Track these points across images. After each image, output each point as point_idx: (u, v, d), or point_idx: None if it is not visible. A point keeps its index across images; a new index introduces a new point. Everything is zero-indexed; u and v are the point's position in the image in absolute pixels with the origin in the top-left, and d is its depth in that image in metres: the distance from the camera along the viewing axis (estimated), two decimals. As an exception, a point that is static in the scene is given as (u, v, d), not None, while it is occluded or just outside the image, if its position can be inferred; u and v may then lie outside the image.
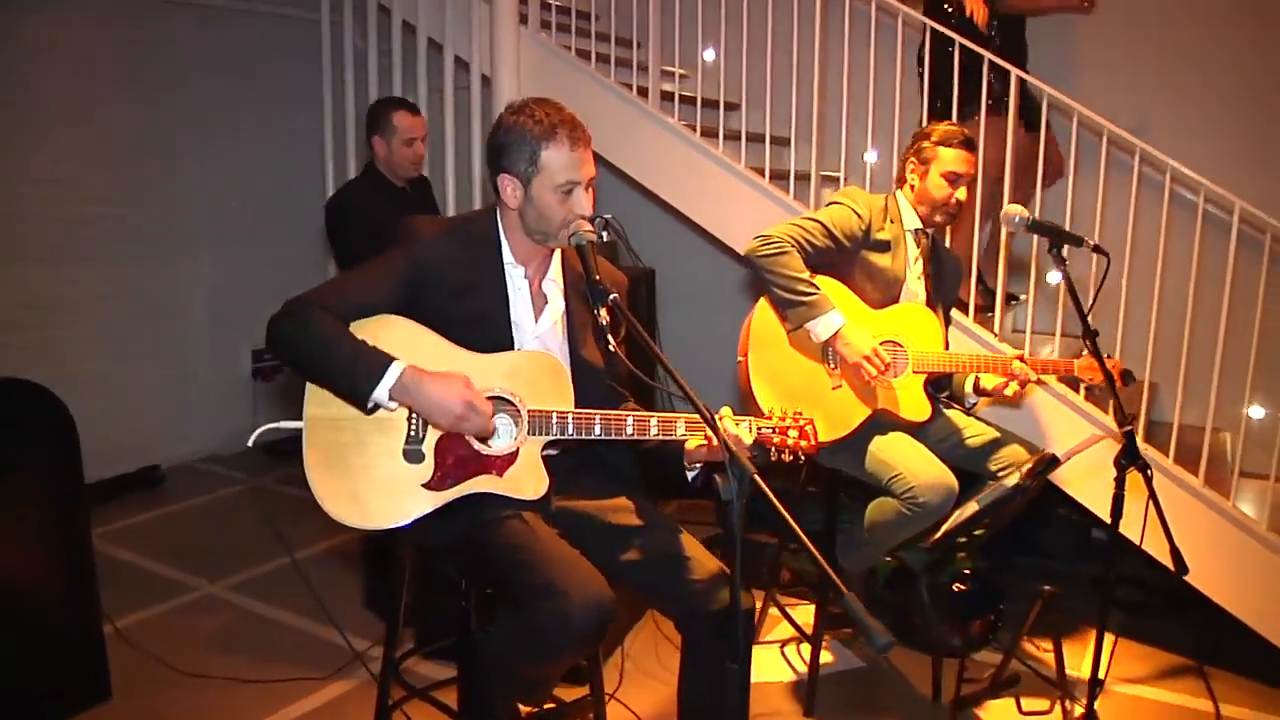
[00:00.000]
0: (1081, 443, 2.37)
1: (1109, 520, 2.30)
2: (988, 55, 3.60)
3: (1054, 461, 2.19)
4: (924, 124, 3.31)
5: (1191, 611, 3.40)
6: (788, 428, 2.21)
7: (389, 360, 1.97)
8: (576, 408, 2.14)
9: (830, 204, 3.02)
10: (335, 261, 3.66)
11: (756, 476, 1.65)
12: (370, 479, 2.02)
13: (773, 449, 2.22)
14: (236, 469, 5.47)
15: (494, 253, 2.20)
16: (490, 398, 2.07)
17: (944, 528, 2.37)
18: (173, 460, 5.43)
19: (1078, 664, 3.26)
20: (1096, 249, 2.42)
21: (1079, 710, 2.80)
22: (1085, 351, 2.99)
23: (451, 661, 2.85)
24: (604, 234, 3.08)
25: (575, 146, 2.12)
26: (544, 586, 1.89)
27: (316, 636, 3.48)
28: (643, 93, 4.19)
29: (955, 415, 3.03)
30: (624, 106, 4.15)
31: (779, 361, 2.84)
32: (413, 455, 2.05)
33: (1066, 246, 2.42)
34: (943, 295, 3.13)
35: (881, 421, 2.86)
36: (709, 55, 4.73)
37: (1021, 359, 2.91)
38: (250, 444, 2.12)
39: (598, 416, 2.12)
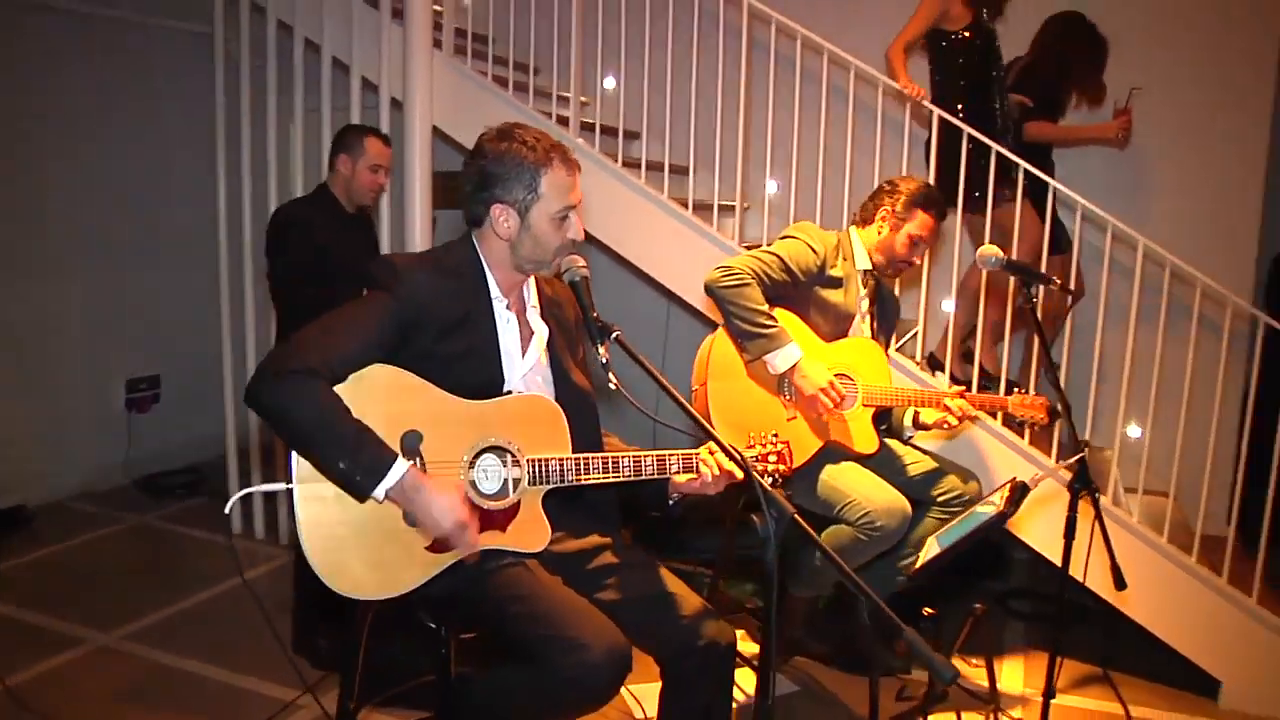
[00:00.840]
0: (1045, 472, 2.48)
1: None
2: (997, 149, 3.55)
3: (1025, 488, 2.28)
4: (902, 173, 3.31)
5: (1091, 620, 3.59)
6: (768, 454, 2.23)
7: (391, 459, 1.85)
8: (572, 444, 2.09)
9: (785, 238, 3.06)
10: (269, 277, 3.45)
11: (797, 516, 1.66)
12: (371, 548, 1.91)
13: (765, 477, 2.21)
14: (112, 507, 5.05)
15: (480, 285, 2.11)
16: (487, 449, 2.00)
17: (925, 557, 2.42)
18: (41, 499, 4.97)
19: (997, 677, 3.39)
20: (1063, 288, 2.54)
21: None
22: (1018, 390, 3.14)
23: (409, 710, 2.72)
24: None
25: (570, 171, 2.08)
26: (563, 639, 1.84)
27: (236, 687, 3.24)
28: (562, 121, 4.13)
29: (894, 444, 3.12)
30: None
31: (736, 391, 2.85)
32: (413, 518, 1.93)
33: (1036, 285, 2.52)
34: (884, 331, 3.22)
35: (833, 452, 2.91)
36: (609, 83, 4.73)
37: (962, 394, 3.01)
38: (227, 510, 1.94)
39: (596, 461, 2.06)
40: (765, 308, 2.85)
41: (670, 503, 2.19)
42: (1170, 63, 4.41)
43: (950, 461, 3.11)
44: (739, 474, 2.14)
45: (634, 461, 2.09)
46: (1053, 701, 2.61)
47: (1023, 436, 3.46)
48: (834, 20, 4.28)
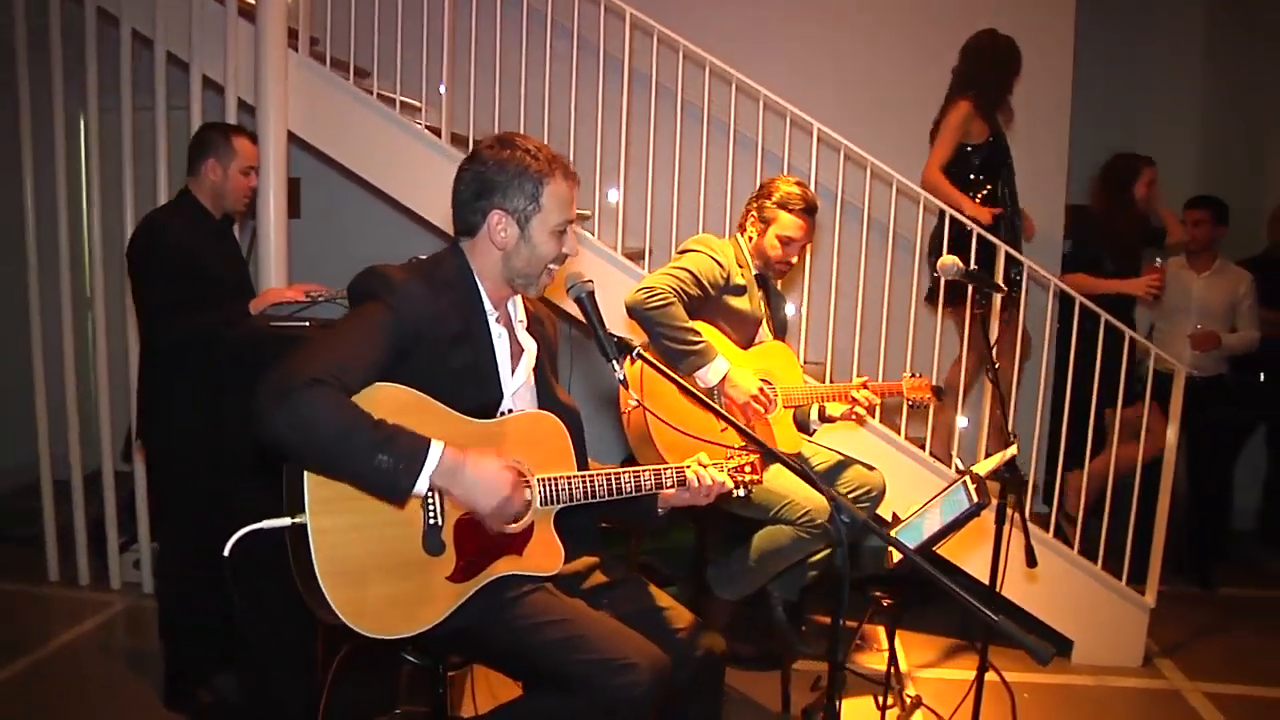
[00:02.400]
0: (998, 462, 2.61)
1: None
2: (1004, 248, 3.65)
3: (983, 479, 2.40)
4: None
5: (938, 596, 3.83)
6: (743, 465, 2.24)
7: (426, 442, 1.71)
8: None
9: (687, 252, 3.04)
10: (135, 300, 3.03)
11: (869, 522, 1.67)
12: (392, 581, 1.75)
13: (740, 488, 2.22)
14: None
15: (474, 299, 2.00)
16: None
17: (895, 557, 2.47)
18: None
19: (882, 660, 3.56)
20: (1005, 293, 2.69)
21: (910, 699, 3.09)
22: (909, 374, 3.30)
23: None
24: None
25: (571, 184, 2.01)
26: (610, 662, 1.77)
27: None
28: (432, 131, 3.93)
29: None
30: (414, 144, 3.86)
31: (672, 407, 2.82)
32: (433, 545, 1.80)
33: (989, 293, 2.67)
34: (779, 331, 3.29)
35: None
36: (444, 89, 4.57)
37: (865, 385, 3.13)
38: (227, 553, 1.69)
39: (600, 479, 2.00)
40: (691, 324, 2.85)
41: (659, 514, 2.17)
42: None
43: (851, 457, 3.22)
44: (730, 484, 2.16)
45: (634, 478, 2.05)
46: (925, 675, 2.74)
47: (908, 422, 3.68)
48: (692, 21, 4.25)
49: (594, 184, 3.96)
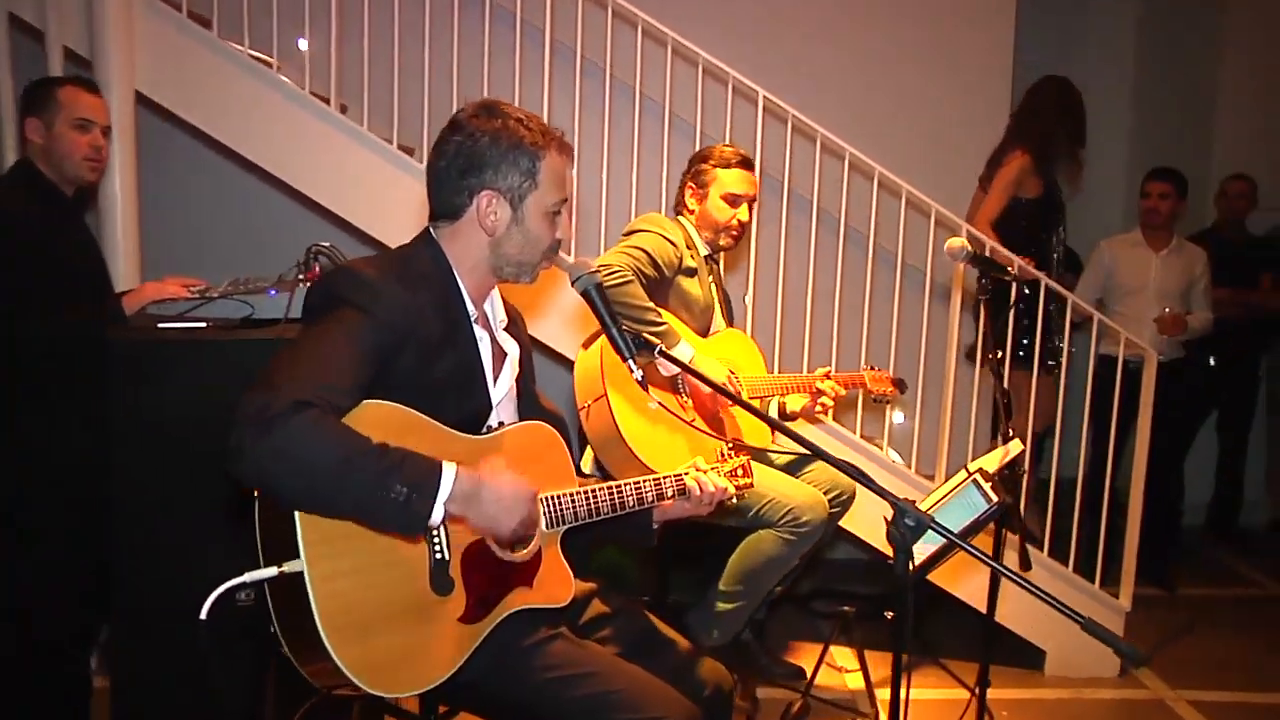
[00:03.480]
0: (1002, 458, 2.86)
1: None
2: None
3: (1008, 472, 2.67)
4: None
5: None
6: (735, 469, 2.40)
7: (436, 465, 1.75)
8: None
9: (638, 232, 3.20)
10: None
11: (934, 524, 1.85)
12: (401, 629, 1.81)
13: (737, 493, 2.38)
14: None
15: (454, 296, 2.05)
16: None
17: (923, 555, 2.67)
18: None
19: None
20: (1015, 279, 2.97)
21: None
22: (870, 367, 3.57)
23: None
24: (311, 266, 3.03)
25: (567, 159, 2.09)
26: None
27: None
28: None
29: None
30: (290, 105, 3.88)
31: (636, 398, 2.96)
32: (442, 584, 1.87)
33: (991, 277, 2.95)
34: (729, 318, 3.49)
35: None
36: (290, 39, 4.59)
37: (828, 376, 3.37)
38: (203, 615, 1.74)
39: (603, 493, 2.11)
40: (652, 305, 2.99)
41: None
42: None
43: (819, 450, 3.43)
44: (732, 490, 2.31)
45: (635, 490, 2.16)
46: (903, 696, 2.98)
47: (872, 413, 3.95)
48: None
49: None
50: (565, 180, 2.08)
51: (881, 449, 4.13)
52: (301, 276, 2.97)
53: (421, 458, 1.74)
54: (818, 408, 3.35)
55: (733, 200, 3.31)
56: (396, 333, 1.89)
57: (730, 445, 2.42)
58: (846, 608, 3.55)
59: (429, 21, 3.99)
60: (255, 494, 1.81)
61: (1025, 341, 4.50)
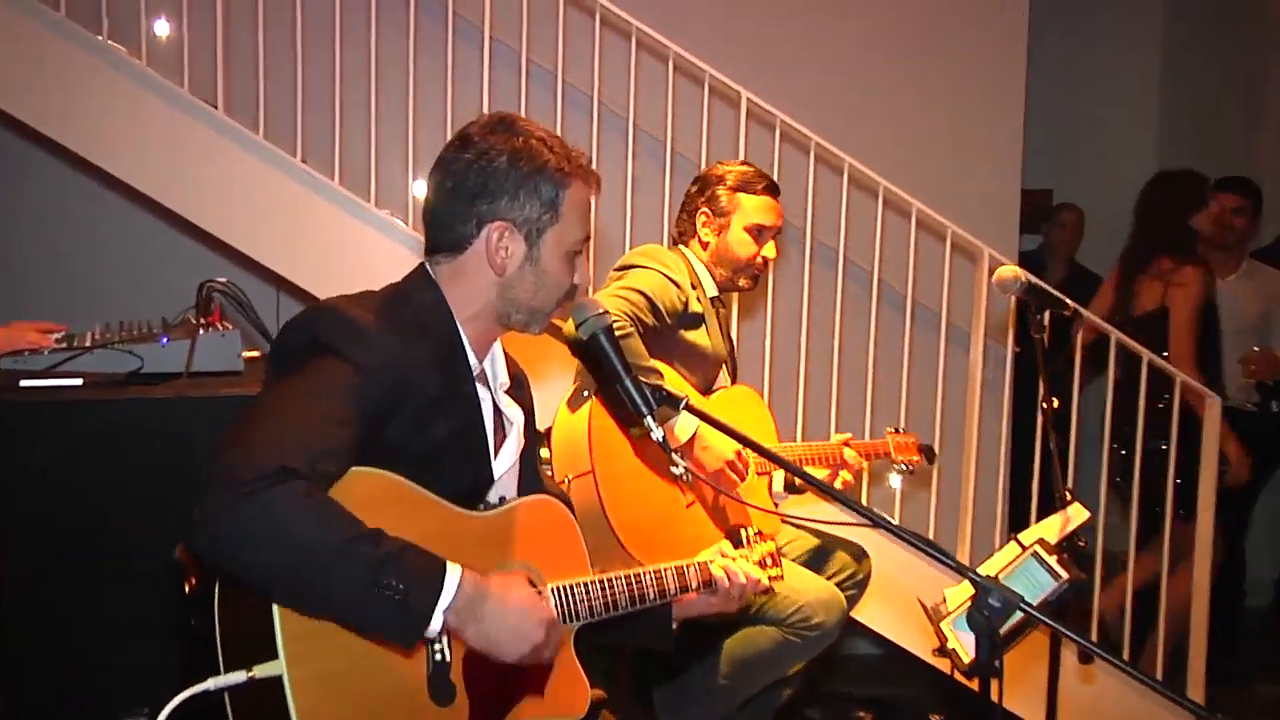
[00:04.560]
0: (1061, 528, 2.84)
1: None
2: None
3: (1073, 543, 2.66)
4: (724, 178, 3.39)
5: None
6: (765, 556, 2.42)
7: (440, 564, 1.71)
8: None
9: (635, 268, 3.14)
10: None
11: (1024, 607, 1.85)
12: None
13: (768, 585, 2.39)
14: None
15: (454, 346, 2.02)
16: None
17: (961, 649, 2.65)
18: None
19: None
20: (1076, 313, 2.97)
21: None
22: (894, 430, 3.57)
23: None
24: (209, 308, 2.98)
25: (592, 189, 2.08)
26: None
27: None
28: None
29: (762, 519, 3.37)
30: (169, 111, 3.80)
31: (628, 475, 2.92)
32: (441, 691, 1.83)
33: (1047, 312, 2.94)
34: (734, 372, 3.46)
35: (733, 536, 3.08)
36: (162, 29, 4.53)
37: (848, 444, 3.35)
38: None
39: (620, 584, 2.12)
40: (653, 364, 2.94)
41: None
42: None
43: (832, 535, 3.43)
44: (765, 582, 2.32)
45: (655, 580, 2.17)
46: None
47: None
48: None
49: (408, 170, 4.11)
50: (589, 214, 2.08)
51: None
52: (202, 320, 2.91)
53: (423, 551, 1.71)
54: (838, 484, 3.32)
55: (758, 233, 3.26)
56: (389, 393, 1.85)
57: (756, 530, 2.42)
58: (863, 714, 3.52)
59: (339, 8, 3.96)
60: (211, 577, 1.74)
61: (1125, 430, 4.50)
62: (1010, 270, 3.01)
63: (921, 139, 5.10)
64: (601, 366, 2.83)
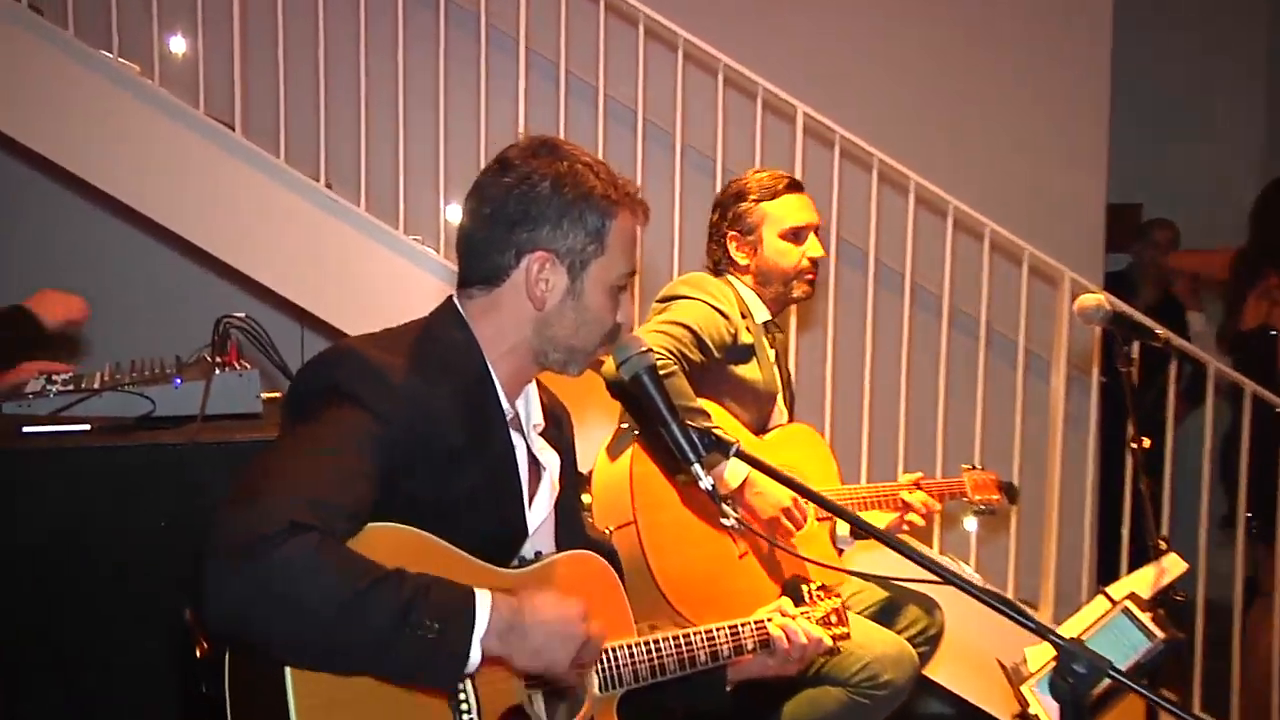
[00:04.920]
0: (1155, 580, 2.78)
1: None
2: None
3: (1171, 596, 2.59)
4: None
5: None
6: (829, 614, 2.39)
7: (468, 594, 1.70)
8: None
9: (679, 300, 3.12)
10: None
11: (1114, 674, 1.79)
12: None
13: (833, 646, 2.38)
14: None
15: (485, 389, 2.00)
16: None
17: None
18: None
19: None
20: (1167, 344, 2.91)
21: None
22: (970, 466, 3.51)
23: None
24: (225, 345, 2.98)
25: (641, 220, 2.07)
26: None
27: None
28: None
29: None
30: (179, 130, 3.82)
31: (674, 525, 2.91)
32: None
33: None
34: (790, 406, 3.42)
35: (791, 589, 3.03)
36: (177, 46, 4.56)
37: (919, 484, 3.30)
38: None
39: (669, 646, 2.11)
40: (699, 404, 2.91)
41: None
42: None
43: (902, 586, 3.37)
44: (829, 641, 2.31)
45: (707, 641, 2.15)
46: None
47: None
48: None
49: (439, 193, 4.11)
50: (635, 247, 2.07)
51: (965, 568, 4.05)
52: (218, 359, 2.90)
53: (448, 583, 1.70)
54: (905, 528, 3.27)
55: (795, 235, 3.22)
56: (413, 445, 1.84)
57: (819, 584, 2.41)
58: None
59: (364, 20, 3.97)
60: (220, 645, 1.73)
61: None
62: (1093, 298, 2.95)
63: (994, 151, 5.08)
64: (644, 409, 2.83)
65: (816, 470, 3.24)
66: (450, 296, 2.05)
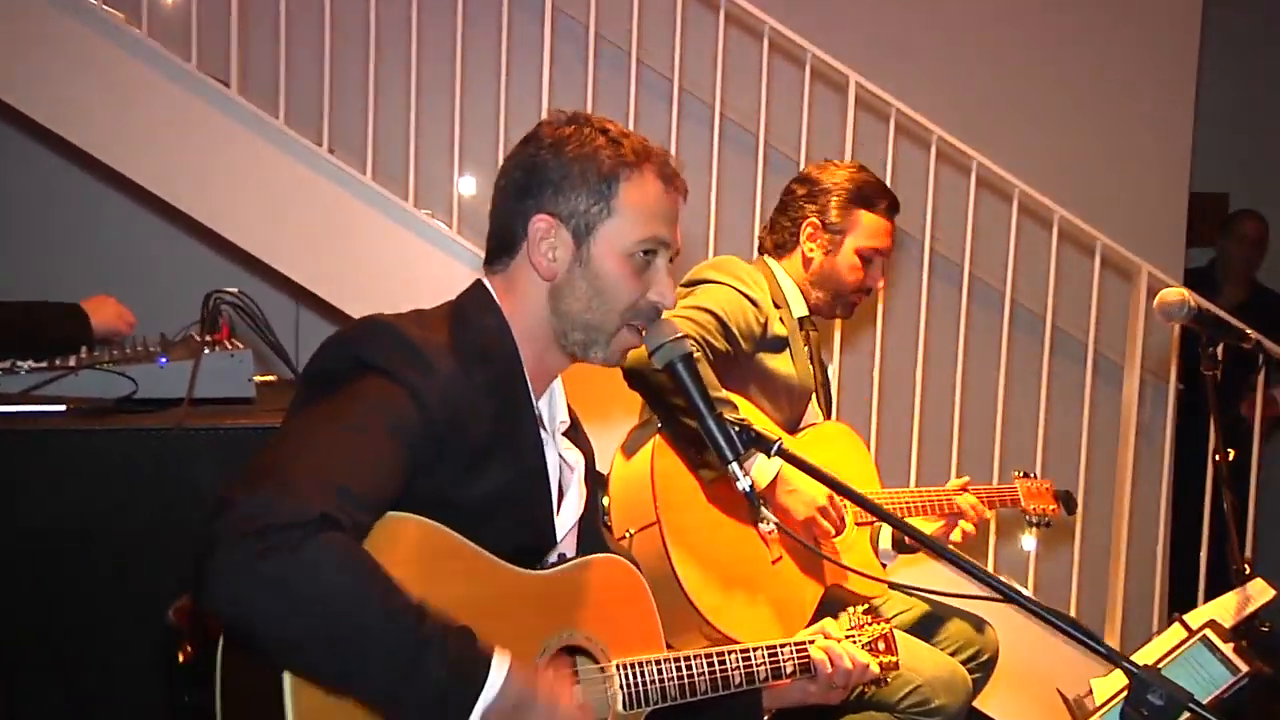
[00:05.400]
0: (1246, 606, 2.76)
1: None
2: None
3: (1255, 627, 2.58)
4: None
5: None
6: (876, 639, 2.38)
7: (487, 654, 1.69)
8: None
9: (706, 284, 3.12)
10: None
11: (1194, 706, 1.77)
12: None
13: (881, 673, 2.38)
14: None
15: (516, 382, 2.01)
16: (566, 649, 1.97)
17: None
18: None
19: None
20: (1258, 346, 2.89)
21: None
22: (1022, 474, 3.50)
23: None
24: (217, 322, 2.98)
25: (670, 188, 2.06)
26: None
27: None
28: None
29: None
30: (173, 89, 3.82)
31: (699, 527, 2.90)
32: None
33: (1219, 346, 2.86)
34: (827, 406, 3.42)
35: (833, 603, 3.02)
36: None
37: (966, 488, 3.29)
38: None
39: (700, 663, 2.12)
40: (725, 394, 2.90)
41: None
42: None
43: (946, 604, 3.36)
44: (876, 669, 2.31)
45: (742, 661, 2.16)
46: None
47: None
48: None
49: (452, 163, 4.11)
50: (658, 215, 2.04)
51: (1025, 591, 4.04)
52: (207, 337, 2.91)
53: (471, 638, 1.69)
54: (955, 535, 3.26)
55: (870, 258, 3.24)
56: (444, 434, 1.85)
57: (866, 606, 2.41)
58: None
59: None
60: (214, 639, 1.72)
61: None
62: (1175, 293, 2.91)
63: (1065, 133, 5.07)
64: (669, 401, 2.84)
65: (854, 473, 3.23)
66: (478, 279, 2.06)
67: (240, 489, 1.61)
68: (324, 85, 4.00)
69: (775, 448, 2.02)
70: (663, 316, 2.30)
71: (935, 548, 1.98)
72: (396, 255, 3.96)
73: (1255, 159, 6.48)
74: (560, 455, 2.12)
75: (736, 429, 1.99)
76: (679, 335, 2.02)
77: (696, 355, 2.81)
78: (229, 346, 2.89)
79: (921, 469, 4.16)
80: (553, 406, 2.13)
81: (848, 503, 3.14)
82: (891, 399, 4.13)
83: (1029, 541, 4.46)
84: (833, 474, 2.99)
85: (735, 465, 1.96)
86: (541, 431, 2.04)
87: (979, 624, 3.35)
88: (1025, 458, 4.09)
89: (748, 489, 1.96)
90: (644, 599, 2.11)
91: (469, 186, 4.50)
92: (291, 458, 1.69)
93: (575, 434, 2.21)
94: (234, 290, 2.97)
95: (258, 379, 2.91)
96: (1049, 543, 4.08)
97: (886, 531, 3.31)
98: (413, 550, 1.77)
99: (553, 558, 2.04)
